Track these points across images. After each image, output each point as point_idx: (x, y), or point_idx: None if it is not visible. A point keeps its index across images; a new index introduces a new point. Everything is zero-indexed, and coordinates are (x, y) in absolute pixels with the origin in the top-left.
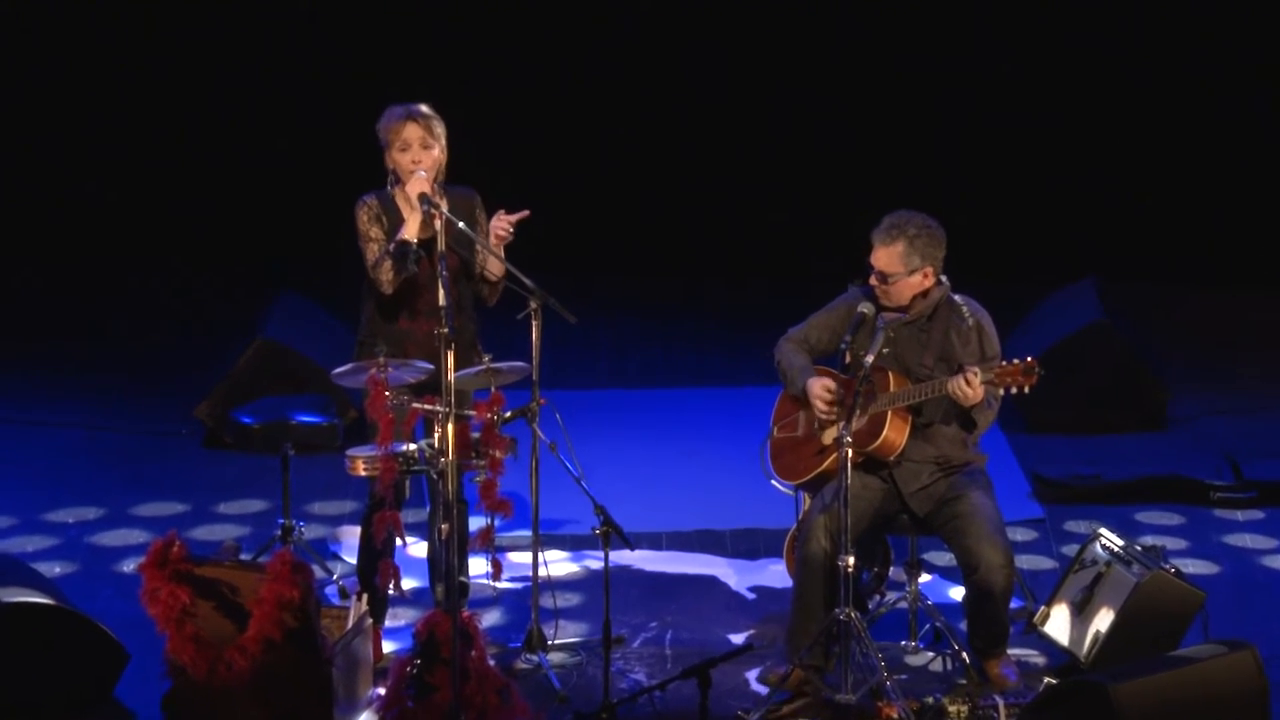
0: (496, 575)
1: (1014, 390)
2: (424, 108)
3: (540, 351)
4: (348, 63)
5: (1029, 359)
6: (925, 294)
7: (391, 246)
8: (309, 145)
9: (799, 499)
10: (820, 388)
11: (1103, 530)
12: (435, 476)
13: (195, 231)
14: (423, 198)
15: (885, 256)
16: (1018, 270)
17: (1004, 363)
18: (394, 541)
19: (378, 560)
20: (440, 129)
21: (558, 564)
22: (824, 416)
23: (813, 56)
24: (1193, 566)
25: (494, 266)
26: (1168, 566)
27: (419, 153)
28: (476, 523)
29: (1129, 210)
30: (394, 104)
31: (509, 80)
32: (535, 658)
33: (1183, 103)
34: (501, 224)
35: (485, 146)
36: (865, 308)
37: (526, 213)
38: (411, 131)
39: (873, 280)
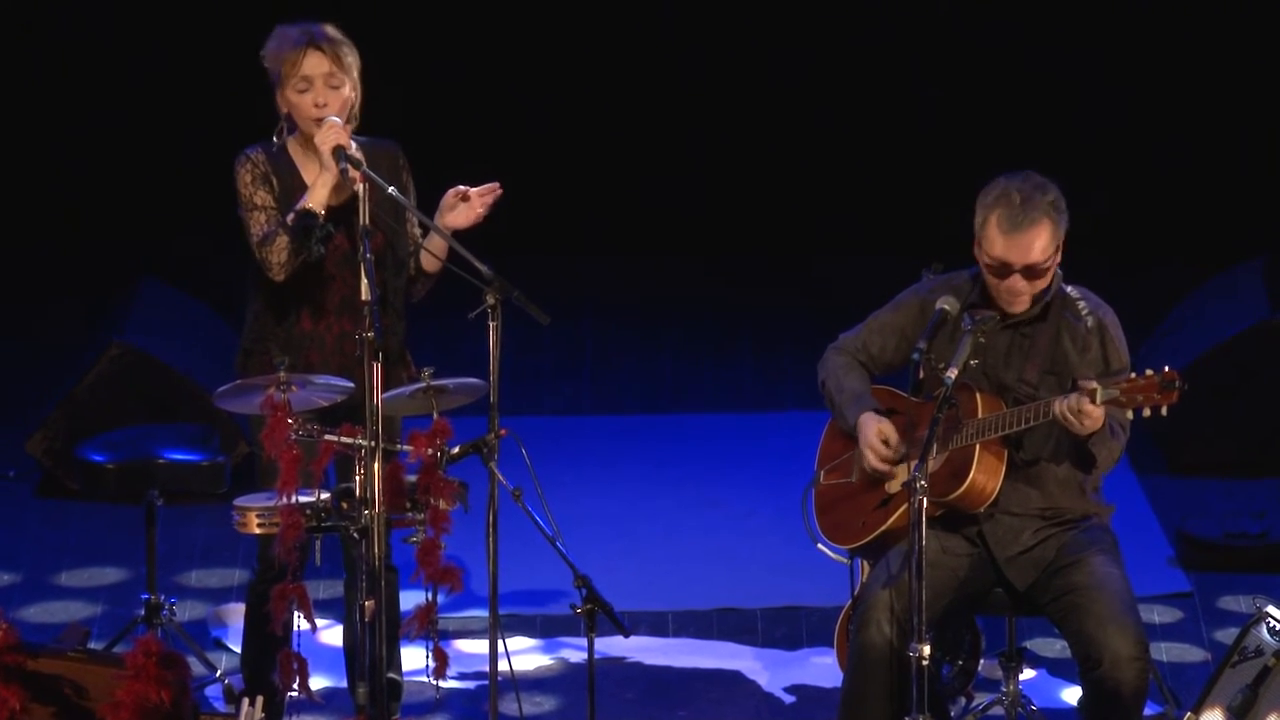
0: (440, 671)
1: (1146, 411)
2: (329, 29)
3: (500, 364)
4: None
5: (1166, 369)
6: None
7: (290, 218)
8: (178, 78)
9: (855, 568)
10: (875, 435)
11: (1271, 609)
12: (356, 535)
13: (23, 195)
14: (339, 153)
15: (1032, 244)
16: (1155, 251)
17: (1133, 375)
18: (296, 624)
19: (276, 650)
20: (352, 58)
21: (524, 655)
22: (876, 471)
23: None
24: None
25: (433, 249)
26: None
27: (324, 93)
28: (412, 599)
29: None
30: (285, 24)
31: None
32: None
33: None
34: (475, 205)
35: (415, 83)
36: (946, 303)
37: (497, 188)
38: (314, 64)
39: (1012, 284)
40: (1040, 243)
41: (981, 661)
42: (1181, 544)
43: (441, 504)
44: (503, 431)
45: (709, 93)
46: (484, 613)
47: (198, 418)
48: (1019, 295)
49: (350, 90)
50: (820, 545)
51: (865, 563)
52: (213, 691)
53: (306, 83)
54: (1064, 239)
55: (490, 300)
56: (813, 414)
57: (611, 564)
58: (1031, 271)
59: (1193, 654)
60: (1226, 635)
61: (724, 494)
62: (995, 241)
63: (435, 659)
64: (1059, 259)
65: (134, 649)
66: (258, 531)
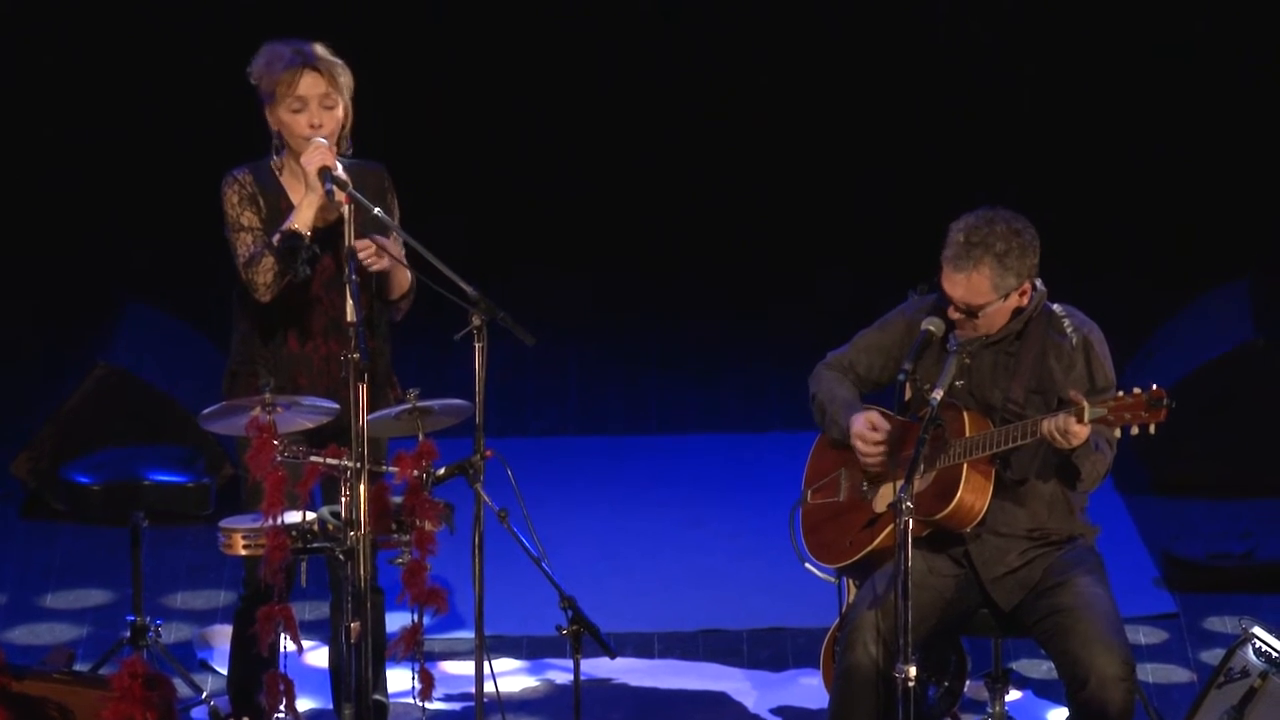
0: (426, 693)
1: (1134, 430)
2: (321, 50)
3: (486, 385)
4: None
5: (1154, 387)
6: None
7: (276, 238)
8: (165, 94)
9: (842, 588)
10: (865, 424)
11: (1257, 630)
12: (341, 557)
13: (8, 214)
14: (324, 174)
15: (967, 287)
16: (1139, 271)
17: (1120, 393)
18: (282, 646)
19: (262, 671)
20: (345, 79)
21: (510, 676)
22: (867, 464)
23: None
24: None
25: (400, 276)
26: None
27: (318, 114)
28: (398, 620)
29: None
30: (275, 40)
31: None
32: None
33: None
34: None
35: (398, 101)
36: (931, 324)
37: (369, 245)
38: (309, 84)
39: (953, 313)
40: (978, 285)
41: (967, 683)
42: (1167, 564)
43: (427, 525)
44: (488, 453)
45: (695, 114)
46: (470, 634)
47: (183, 439)
48: (963, 327)
49: (343, 111)
50: (807, 564)
51: (852, 583)
52: (199, 713)
53: (301, 103)
54: (1031, 279)
55: (476, 321)
56: (797, 435)
57: (597, 585)
58: (965, 309)
59: (1179, 675)
60: (1212, 656)
61: (709, 515)
62: (944, 275)
63: (421, 680)
64: (1021, 300)
65: (119, 671)
66: (243, 553)
